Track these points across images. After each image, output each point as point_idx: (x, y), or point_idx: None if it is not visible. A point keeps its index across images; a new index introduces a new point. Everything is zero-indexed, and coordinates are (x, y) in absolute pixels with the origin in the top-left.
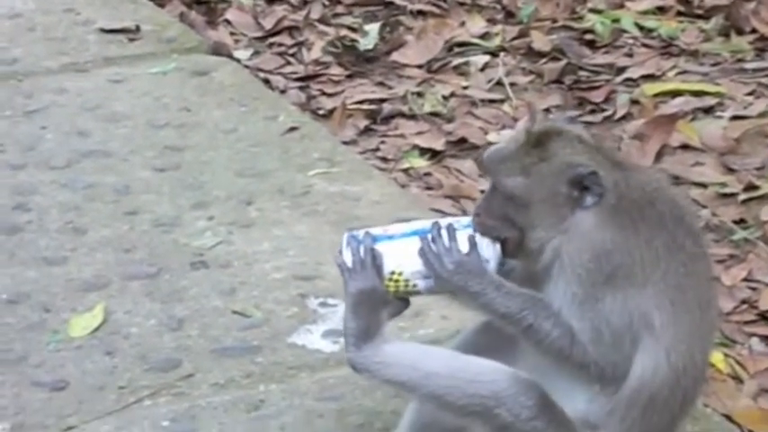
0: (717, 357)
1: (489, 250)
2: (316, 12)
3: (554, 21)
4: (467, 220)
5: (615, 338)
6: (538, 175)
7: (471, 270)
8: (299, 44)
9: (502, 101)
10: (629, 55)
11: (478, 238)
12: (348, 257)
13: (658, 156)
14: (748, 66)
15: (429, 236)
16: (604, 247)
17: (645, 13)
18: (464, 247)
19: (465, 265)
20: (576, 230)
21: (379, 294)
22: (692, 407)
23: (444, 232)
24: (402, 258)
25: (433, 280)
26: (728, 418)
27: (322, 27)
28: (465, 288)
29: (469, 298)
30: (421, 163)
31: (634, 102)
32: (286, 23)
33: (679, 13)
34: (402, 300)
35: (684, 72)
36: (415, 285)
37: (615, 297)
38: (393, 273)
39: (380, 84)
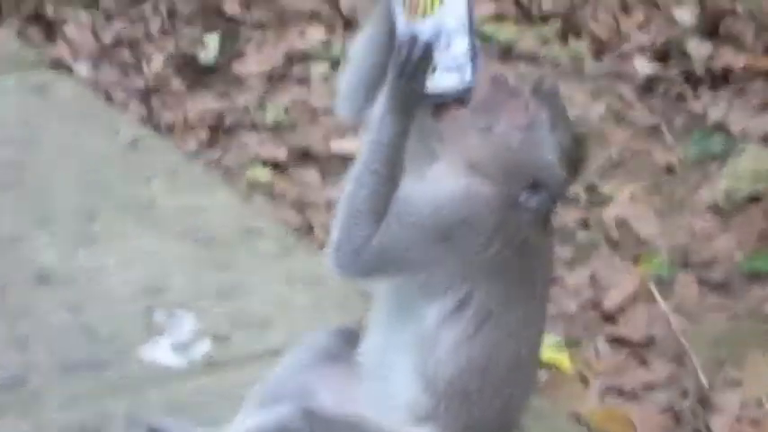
0: (562, 358)
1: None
2: (155, 25)
3: None
4: None
5: (395, 261)
6: None
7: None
8: (139, 58)
9: None
10: None
11: None
12: None
13: None
14: (586, 69)
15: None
16: (479, 216)
17: (483, 19)
18: None
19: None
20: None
21: None
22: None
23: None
24: None
25: None
26: (576, 417)
27: (162, 40)
28: (392, 101)
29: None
30: (264, 174)
31: None
32: (125, 37)
33: (517, 19)
34: None
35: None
36: None
37: (440, 248)
38: None
39: (222, 95)
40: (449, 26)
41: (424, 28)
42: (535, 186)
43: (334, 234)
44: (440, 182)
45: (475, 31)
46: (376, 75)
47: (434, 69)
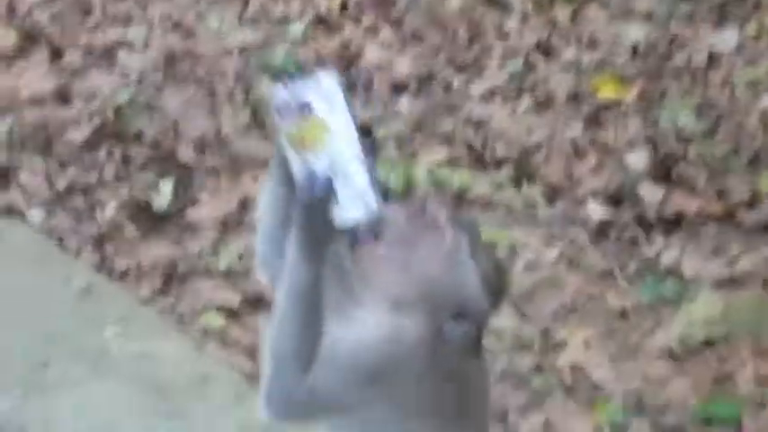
0: None
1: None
2: (109, 171)
3: None
4: None
5: (321, 408)
6: None
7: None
8: (93, 204)
9: None
10: None
11: None
12: None
13: None
14: (540, 214)
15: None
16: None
17: (437, 164)
18: None
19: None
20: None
21: None
22: None
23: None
24: None
25: None
26: None
27: (115, 186)
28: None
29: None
30: (218, 320)
31: None
32: (79, 184)
33: (470, 164)
34: None
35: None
36: None
37: (366, 394)
38: None
39: (176, 242)
40: (344, 156)
41: (319, 163)
42: (459, 316)
43: (264, 381)
44: (364, 324)
45: (374, 156)
46: (286, 229)
47: (337, 203)
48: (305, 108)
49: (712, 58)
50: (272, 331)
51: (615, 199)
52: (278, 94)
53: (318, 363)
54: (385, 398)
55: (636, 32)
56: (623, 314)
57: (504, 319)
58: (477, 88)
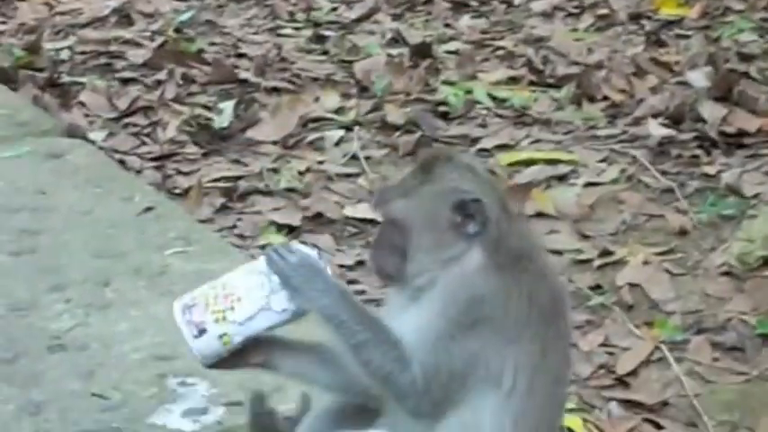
0: (576, 422)
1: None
2: (170, 91)
3: (408, 94)
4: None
5: (450, 380)
6: (420, 197)
7: (314, 266)
8: (154, 124)
9: (357, 175)
10: (483, 126)
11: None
12: None
13: None
14: (600, 133)
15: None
16: (483, 293)
17: (497, 83)
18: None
19: (308, 260)
20: (458, 265)
21: None
22: None
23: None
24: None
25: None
26: None
27: (176, 106)
28: (309, 284)
29: (311, 299)
30: (278, 239)
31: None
32: (140, 104)
33: (531, 83)
34: None
35: (538, 141)
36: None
37: (473, 343)
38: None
39: (236, 161)
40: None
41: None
42: (466, 215)
43: (391, 399)
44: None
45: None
46: None
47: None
48: None
49: None
50: (354, 358)
51: (676, 118)
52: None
53: (412, 352)
54: (488, 336)
55: None
56: (683, 233)
57: (563, 238)
58: (539, 6)
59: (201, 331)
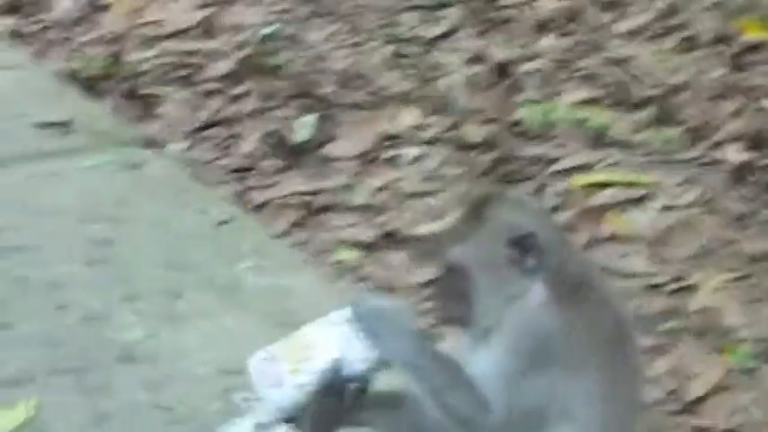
0: None
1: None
2: (250, 104)
3: (487, 113)
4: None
5: (527, 417)
6: (475, 239)
7: (395, 316)
8: (233, 137)
9: (434, 193)
10: (561, 146)
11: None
12: None
13: (587, 247)
14: (679, 156)
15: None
16: (548, 328)
17: (577, 104)
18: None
19: (389, 310)
20: (522, 302)
21: None
22: None
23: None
24: None
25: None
26: None
27: (256, 119)
28: (389, 333)
29: (391, 349)
30: (352, 256)
31: (564, 193)
32: (220, 116)
33: (612, 104)
34: None
35: (615, 163)
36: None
37: (543, 378)
38: None
39: (313, 176)
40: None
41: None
42: (522, 251)
43: None
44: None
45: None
46: None
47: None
48: None
49: None
50: (435, 404)
51: (755, 143)
52: None
53: (489, 392)
54: (557, 374)
55: None
56: (756, 258)
57: (637, 262)
58: (624, 26)
59: (278, 383)
